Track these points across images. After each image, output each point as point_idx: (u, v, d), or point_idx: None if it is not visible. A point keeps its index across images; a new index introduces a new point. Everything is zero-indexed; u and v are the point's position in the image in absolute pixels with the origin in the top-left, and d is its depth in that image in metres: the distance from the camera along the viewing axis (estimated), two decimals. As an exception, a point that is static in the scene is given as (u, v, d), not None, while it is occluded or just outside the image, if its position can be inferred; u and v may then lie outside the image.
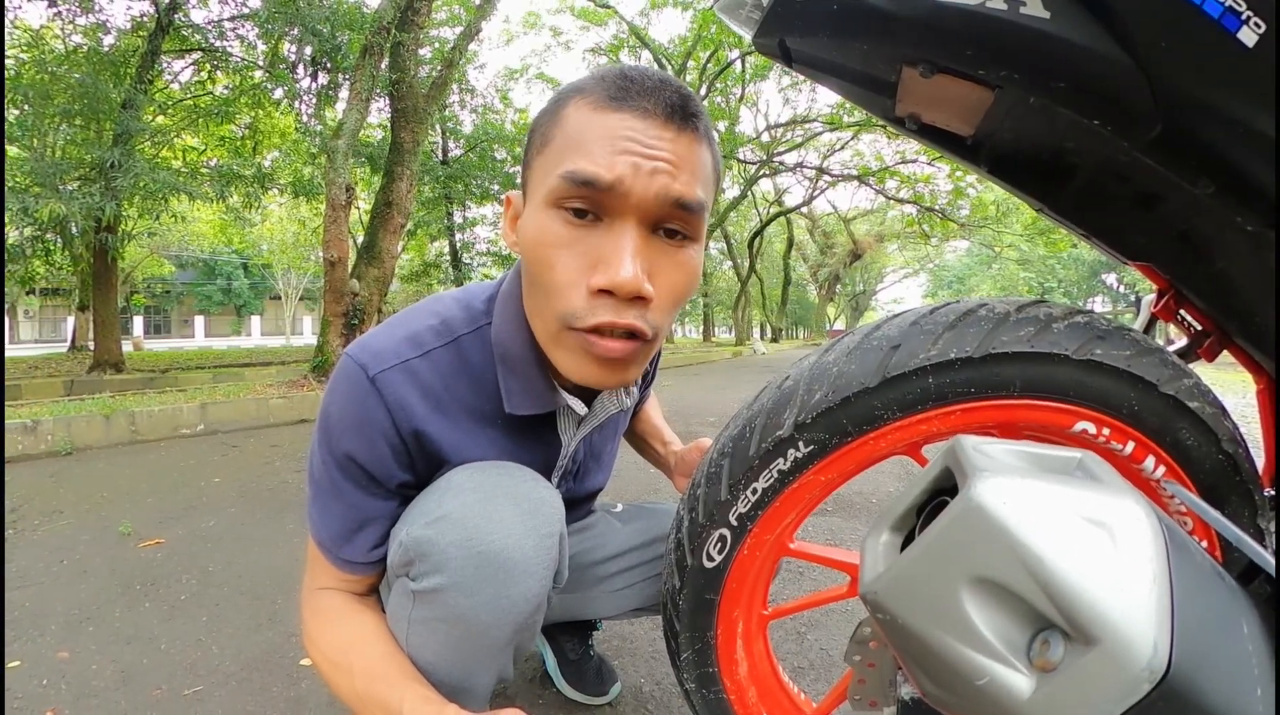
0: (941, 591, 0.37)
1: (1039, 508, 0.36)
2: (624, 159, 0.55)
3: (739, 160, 16.57)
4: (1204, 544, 0.63)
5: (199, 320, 36.25)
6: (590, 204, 0.57)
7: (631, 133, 0.56)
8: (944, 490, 0.43)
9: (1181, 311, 0.71)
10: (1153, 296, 0.75)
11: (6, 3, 6.44)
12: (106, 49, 7.94)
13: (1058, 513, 0.36)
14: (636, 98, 0.57)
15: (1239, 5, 0.43)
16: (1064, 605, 0.34)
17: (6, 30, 7.30)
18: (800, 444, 0.63)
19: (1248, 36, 0.44)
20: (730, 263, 24.28)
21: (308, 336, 33.68)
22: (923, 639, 0.38)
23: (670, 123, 0.57)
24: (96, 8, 7.18)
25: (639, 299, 0.57)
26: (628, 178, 0.55)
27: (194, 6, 7.95)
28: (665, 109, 0.57)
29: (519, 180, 0.66)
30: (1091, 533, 0.35)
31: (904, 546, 0.44)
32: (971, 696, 0.37)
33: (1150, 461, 0.59)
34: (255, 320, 37.41)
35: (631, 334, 0.59)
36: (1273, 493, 0.66)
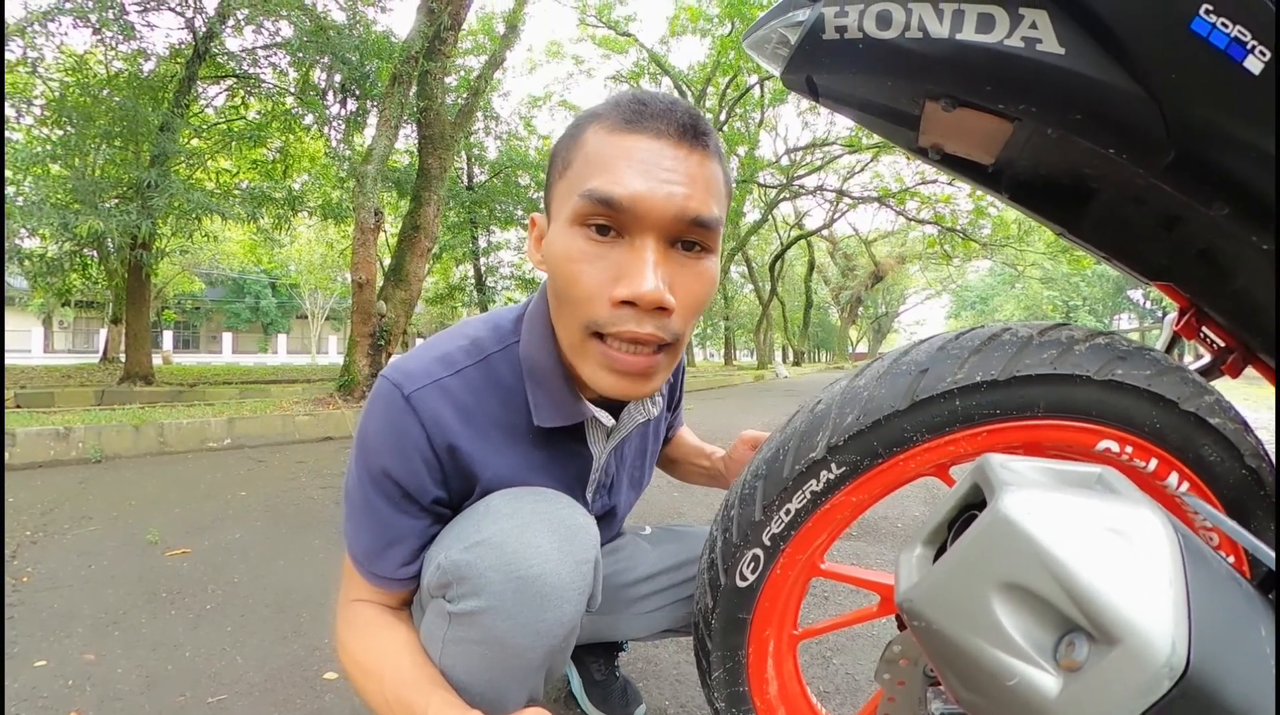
0: (973, 597, 0.39)
1: (1062, 517, 0.38)
2: (640, 179, 0.58)
3: (759, 184, 16.65)
4: (1230, 559, 0.64)
5: (227, 337, 36.90)
6: (611, 221, 0.59)
7: (647, 153, 0.59)
8: (973, 505, 0.45)
9: (1204, 329, 0.73)
10: (1174, 315, 0.76)
11: (53, 28, 6.71)
12: (146, 74, 8.23)
13: (1080, 522, 0.38)
14: (650, 120, 0.60)
15: (1244, 35, 0.46)
16: (1087, 607, 0.36)
17: (54, 54, 7.61)
18: (833, 465, 0.64)
19: (1254, 65, 0.46)
20: (752, 286, 24.30)
21: (333, 355, 34.15)
22: (956, 643, 0.40)
23: (682, 142, 0.60)
24: (138, 35, 7.45)
25: (660, 309, 0.60)
26: (645, 196, 0.58)
27: (229, 35, 8.23)
28: (677, 129, 0.60)
29: (542, 203, 0.70)
30: (1111, 540, 0.38)
31: (936, 559, 0.46)
32: (1003, 698, 0.39)
33: (1174, 478, 0.60)
34: (282, 338, 38.00)
35: (654, 346, 0.62)
36: None
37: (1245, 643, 0.38)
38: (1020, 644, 0.38)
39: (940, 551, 0.47)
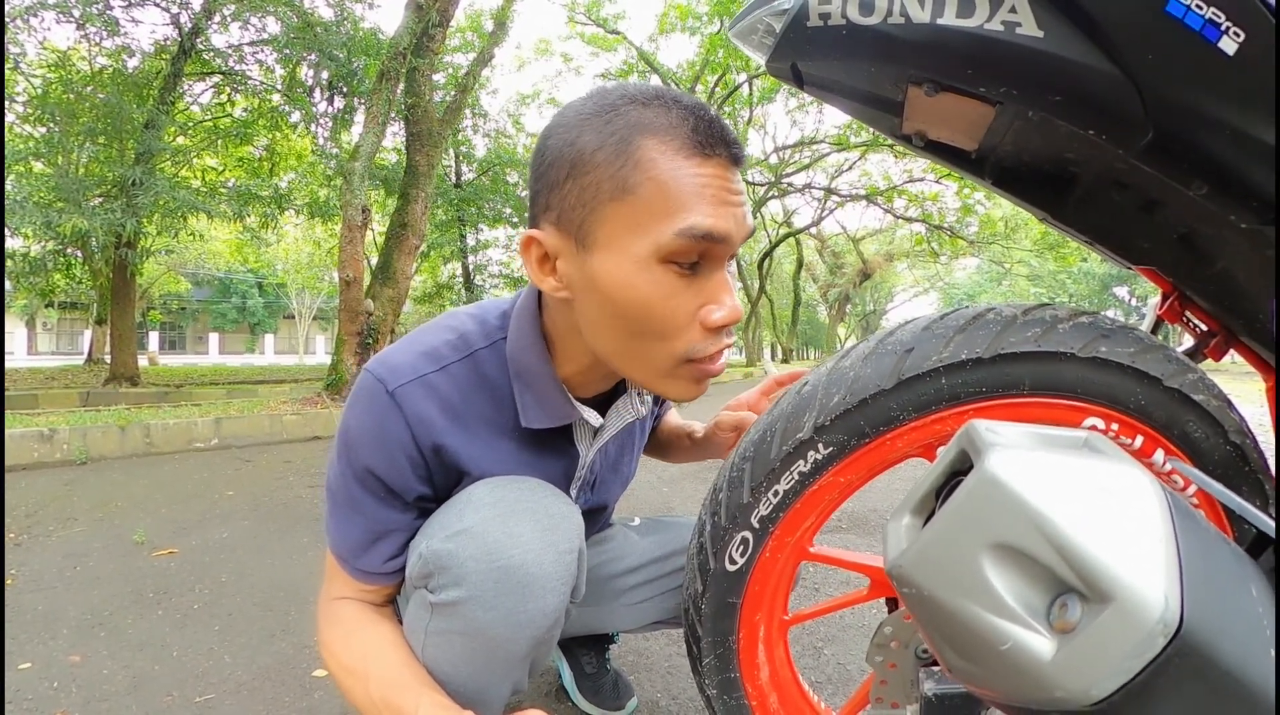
0: (963, 560, 0.39)
1: (1049, 476, 0.38)
2: (728, 212, 0.59)
3: (748, 182, 16.66)
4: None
5: (213, 337, 36.57)
6: (703, 256, 0.59)
7: (723, 183, 0.59)
8: (960, 472, 0.45)
9: (1187, 313, 0.73)
10: (1157, 299, 0.77)
11: (36, 23, 6.63)
12: (131, 71, 8.14)
13: (1067, 480, 0.38)
14: (719, 146, 0.59)
15: (1219, 17, 0.46)
16: (1076, 564, 0.36)
17: (36, 50, 7.51)
18: (820, 446, 0.64)
19: (1228, 45, 0.47)
20: (740, 284, 24.34)
21: (320, 355, 33.93)
22: (947, 609, 0.40)
23: (735, 167, 0.61)
24: (122, 30, 7.37)
25: None
26: (735, 231, 0.59)
27: (215, 31, 8.15)
28: (735, 154, 0.60)
29: (534, 209, 0.64)
30: (1100, 498, 0.38)
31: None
32: (996, 664, 0.38)
33: (1160, 455, 0.61)
34: (269, 338, 37.70)
35: None
36: None
37: (1237, 600, 0.38)
38: (1012, 606, 0.37)
39: (929, 520, 0.46)
